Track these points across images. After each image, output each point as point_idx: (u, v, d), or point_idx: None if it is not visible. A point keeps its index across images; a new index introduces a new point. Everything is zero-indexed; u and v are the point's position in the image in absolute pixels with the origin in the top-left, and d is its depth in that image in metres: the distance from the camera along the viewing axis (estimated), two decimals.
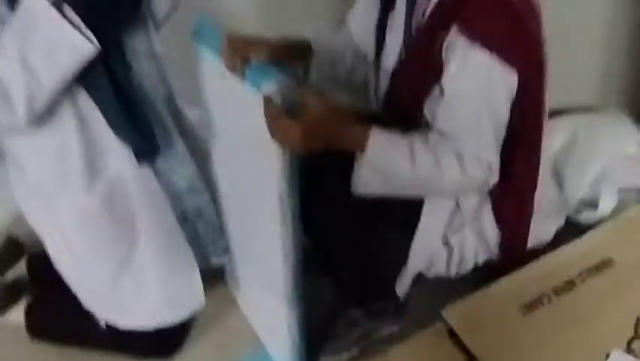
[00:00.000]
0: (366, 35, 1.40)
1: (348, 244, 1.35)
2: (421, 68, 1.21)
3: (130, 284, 1.28)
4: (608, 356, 1.09)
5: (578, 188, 1.65)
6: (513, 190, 1.28)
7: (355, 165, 1.12)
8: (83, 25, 0.96)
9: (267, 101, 1.02)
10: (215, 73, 1.21)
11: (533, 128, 1.26)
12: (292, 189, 1.11)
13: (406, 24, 1.27)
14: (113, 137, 1.14)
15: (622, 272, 1.26)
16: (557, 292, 1.22)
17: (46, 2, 0.94)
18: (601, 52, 1.83)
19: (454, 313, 1.18)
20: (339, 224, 1.32)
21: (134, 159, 1.17)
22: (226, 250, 1.42)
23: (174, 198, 1.28)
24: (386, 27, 1.32)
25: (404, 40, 1.28)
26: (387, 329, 1.43)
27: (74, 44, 0.97)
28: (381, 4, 1.33)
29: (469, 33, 1.10)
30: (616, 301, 1.19)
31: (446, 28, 1.12)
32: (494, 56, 1.09)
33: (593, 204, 1.61)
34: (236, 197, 1.37)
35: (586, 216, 1.60)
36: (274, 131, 1.04)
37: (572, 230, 1.46)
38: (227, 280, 1.56)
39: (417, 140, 1.14)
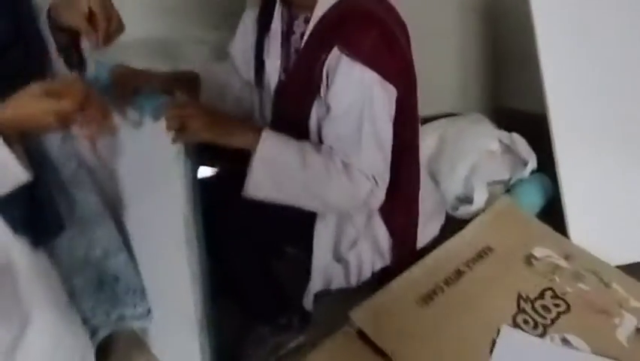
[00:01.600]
0: (246, 60, 1.40)
1: (253, 266, 1.34)
2: (302, 87, 1.22)
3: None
4: (498, 331, 1.16)
5: (453, 186, 1.71)
6: (400, 196, 1.31)
7: (248, 167, 1.11)
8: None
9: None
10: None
11: (411, 138, 1.30)
12: (196, 211, 1.11)
13: (283, 46, 1.29)
14: None
15: (500, 257, 1.35)
16: (448, 282, 1.27)
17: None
18: (459, 66, 1.96)
19: (359, 315, 1.19)
20: (243, 247, 1.30)
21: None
22: (147, 313, 1.35)
23: (88, 264, 1.21)
24: (263, 50, 1.33)
25: (282, 62, 1.30)
26: (295, 341, 1.43)
27: (16, 177, 0.92)
28: (257, 29, 1.34)
29: (351, 53, 1.11)
30: (499, 283, 1.27)
31: (327, 49, 1.14)
32: (375, 73, 1.12)
33: (467, 199, 1.68)
34: (143, 233, 1.32)
35: (463, 211, 1.65)
36: (173, 118, 1.02)
37: (452, 225, 1.52)
38: None
39: (308, 145, 1.14)
